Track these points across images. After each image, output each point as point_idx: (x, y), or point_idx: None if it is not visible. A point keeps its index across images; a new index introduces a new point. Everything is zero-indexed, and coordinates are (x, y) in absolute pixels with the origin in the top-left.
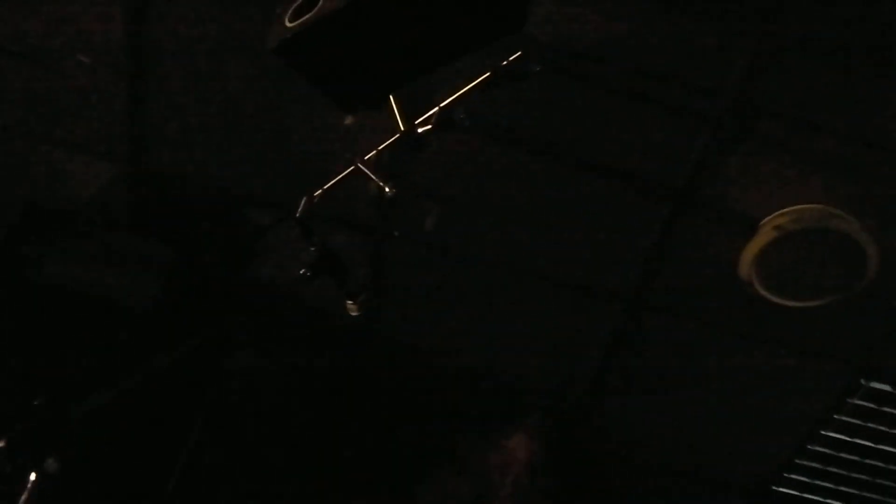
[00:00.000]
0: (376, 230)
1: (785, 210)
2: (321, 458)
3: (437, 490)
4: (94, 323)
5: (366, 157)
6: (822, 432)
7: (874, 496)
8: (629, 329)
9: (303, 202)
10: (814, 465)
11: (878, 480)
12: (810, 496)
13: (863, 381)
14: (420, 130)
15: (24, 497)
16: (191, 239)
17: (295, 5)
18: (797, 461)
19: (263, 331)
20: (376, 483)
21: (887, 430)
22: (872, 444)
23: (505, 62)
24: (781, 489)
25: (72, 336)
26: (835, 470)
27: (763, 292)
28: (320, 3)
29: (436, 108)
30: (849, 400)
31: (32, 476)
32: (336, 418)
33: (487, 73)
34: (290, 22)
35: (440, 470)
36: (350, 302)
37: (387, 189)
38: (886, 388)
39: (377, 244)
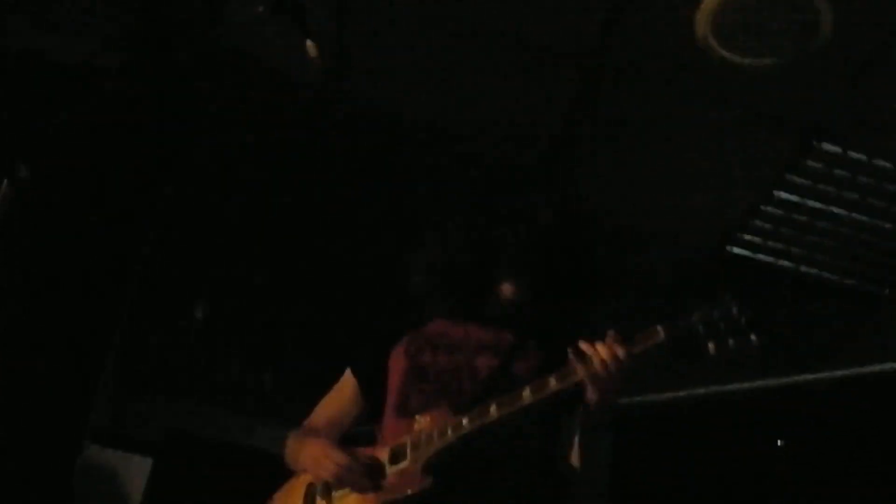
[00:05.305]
0: None
1: None
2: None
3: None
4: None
5: None
6: (775, 192)
7: (823, 258)
8: (586, 91)
9: None
10: (766, 225)
11: (827, 242)
12: (762, 257)
13: (814, 143)
14: None
15: None
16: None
17: None
18: (750, 222)
19: (228, 101)
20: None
21: (836, 191)
22: (823, 206)
23: None
24: (735, 249)
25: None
26: (786, 231)
27: (719, 49)
28: None
29: None
30: (801, 160)
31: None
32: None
33: None
34: None
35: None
36: (310, 42)
37: None
38: (837, 149)
39: None
